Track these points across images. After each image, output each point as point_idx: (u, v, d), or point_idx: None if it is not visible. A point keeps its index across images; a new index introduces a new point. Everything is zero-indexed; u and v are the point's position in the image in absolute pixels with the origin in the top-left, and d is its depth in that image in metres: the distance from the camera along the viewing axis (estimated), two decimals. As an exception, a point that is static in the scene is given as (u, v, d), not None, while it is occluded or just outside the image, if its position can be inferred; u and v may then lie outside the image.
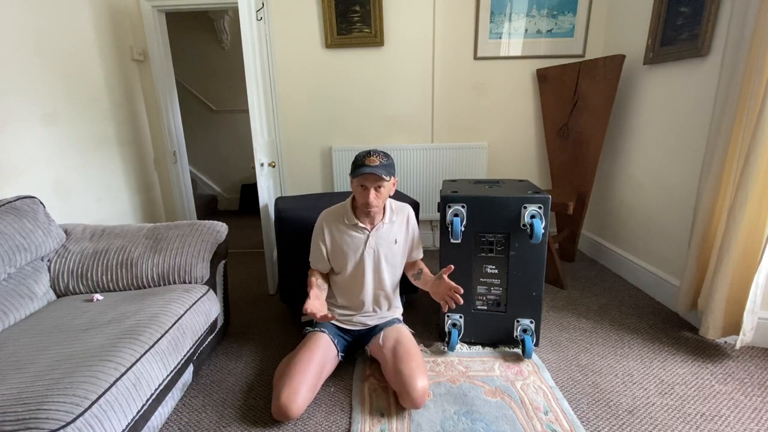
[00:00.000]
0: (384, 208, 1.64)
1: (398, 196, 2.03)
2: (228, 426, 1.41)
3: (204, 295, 1.64)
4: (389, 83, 2.87)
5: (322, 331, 1.59)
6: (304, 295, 1.92)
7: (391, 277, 1.68)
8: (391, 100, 2.90)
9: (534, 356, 1.74)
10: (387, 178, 1.49)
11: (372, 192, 1.50)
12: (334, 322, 1.68)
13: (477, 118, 2.93)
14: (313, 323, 1.68)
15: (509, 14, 2.72)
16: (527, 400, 1.48)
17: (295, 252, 1.93)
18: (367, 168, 1.46)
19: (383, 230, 1.63)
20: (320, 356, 1.50)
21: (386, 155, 1.52)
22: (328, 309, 1.70)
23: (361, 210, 1.57)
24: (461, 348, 1.82)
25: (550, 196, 1.65)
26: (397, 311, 1.75)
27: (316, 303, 1.44)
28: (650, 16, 2.23)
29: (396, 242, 1.65)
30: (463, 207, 1.70)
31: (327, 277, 1.73)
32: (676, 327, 1.95)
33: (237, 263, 2.94)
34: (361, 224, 1.60)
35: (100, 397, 1.05)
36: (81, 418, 0.98)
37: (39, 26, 1.99)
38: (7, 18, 1.83)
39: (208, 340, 1.69)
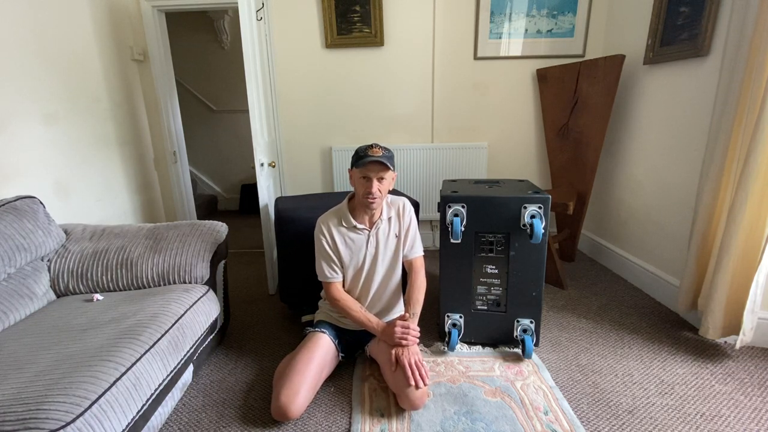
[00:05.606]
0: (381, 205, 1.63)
1: (398, 195, 2.02)
2: (228, 426, 1.41)
3: (204, 295, 1.63)
4: (389, 83, 2.87)
5: (323, 332, 1.59)
6: (304, 295, 1.92)
7: (392, 276, 1.67)
8: (391, 100, 2.90)
9: (534, 356, 1.74)
10: (390, 168, 1.50)
11: (375, 182, 1.49)
12: (334, 322, 1.67)
13: (477, 118, 2.93)
14: (314, 323, 1.68)
15: (509, 14, 2.72)
16: (527, 400, 1.48)
17: (295, 252, 1.93)
18: (371, 157, 1.46)
19: (382, 228, 1.62)
20: (320, 357, 1.50)
21: (387, 149, 1.52)
22: (330, 311, 1.70)
23: (362, 203, 1.55)
24: (461, 348, 1.82)
25: (550, 196, 1.65)
26: (399, 312, 1.75)
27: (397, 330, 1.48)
28: (650, 16, 2.23)
29: (396, 237, 1.64)
30: (463, 207, 1.70)
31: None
32: (676, 327, 1.95)
33: (237, 263, 2.94)
34: (360, 225, 1.59)
35: (100, 397, 1.05)
36: (81, 418, 0.98)
37: (39, 26, 1.99)
38: (8, 18, 1.83)
39: (208, 340, 1.68)
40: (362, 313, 1.56)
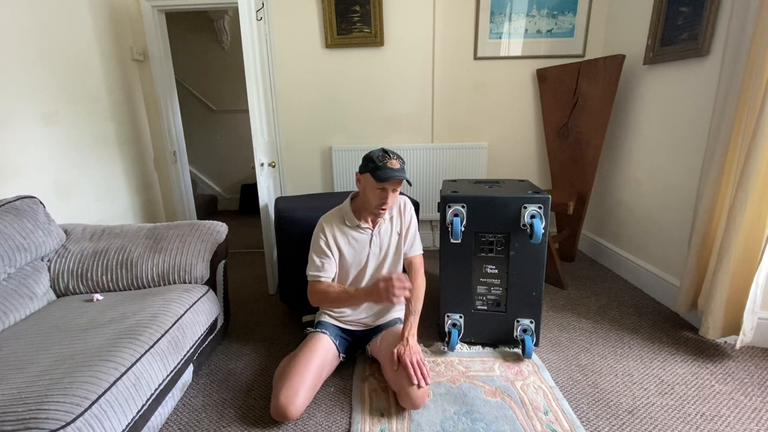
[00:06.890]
0: None
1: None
2: (228, 426, 1.41)
3: (204, 295, 1.64)
4: (389, 83, 2.87)
5: (323, 332, 1.59)
6: (304, 295, 1.91)
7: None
8: (391, 100, 2.90)
9: (534, 356, 1.74)
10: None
11: (391, 194, 1.49)
12: (334, 322, 1.67)
13: (477, 118, 2.93)
14: (314, 324, 1.68)
15: (509, 14, 2.72)
16: (527, 400, 1.48)
17: (295, 252, 1.93)
18: (392, 171, 1.43)
19: (384, 227, 1.63)
20: (320, 357, 1.50)
21: (400, 157, 1.50)
22: (331, 310, 1.70)
23: (373, 212, 1.54)
24: (461, 348, 1.82)
25: (550, 196, 1.65)
26: (399, 311, 1.75)
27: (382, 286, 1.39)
28: (650, 16, 2.23)
29: (398, 235, 1.65)
30: (463, 207, 1.70)
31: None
32: (676, 327, 1.95)
33: (237, 263, 2.94)
34: (363, 225, 1.60)
35: (100, 397, 1.05)
36: (81, 418, 0.98)
37: (39, 26, 1.99)
38: (8, 18, 1.82)
39: (208, 340, 1.68)
40: (345, 292, 1.55)
